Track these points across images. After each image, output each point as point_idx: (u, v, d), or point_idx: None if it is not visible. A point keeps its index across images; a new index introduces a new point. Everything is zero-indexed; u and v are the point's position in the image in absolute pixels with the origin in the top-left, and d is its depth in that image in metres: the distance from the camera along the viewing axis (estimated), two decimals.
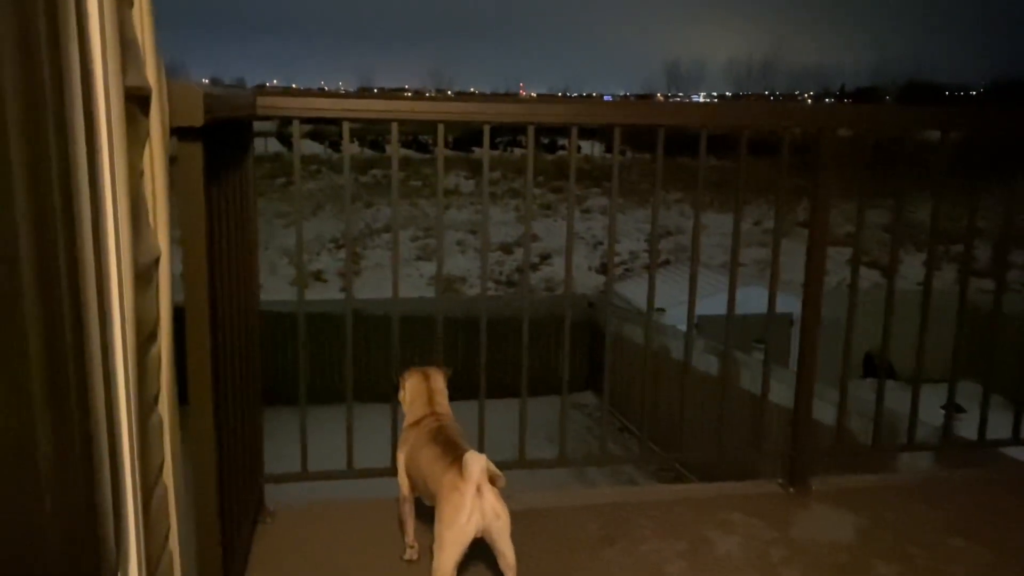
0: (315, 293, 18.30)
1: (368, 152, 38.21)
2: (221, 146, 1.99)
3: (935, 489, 3.18)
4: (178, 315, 1.57)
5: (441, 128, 2.78)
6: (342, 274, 21.98)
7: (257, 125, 2.63)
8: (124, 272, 1.21)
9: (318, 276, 21.90)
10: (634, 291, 15.41)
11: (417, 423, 2.51)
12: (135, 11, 1.36)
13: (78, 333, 1.06)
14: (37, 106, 0.96)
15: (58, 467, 1.01)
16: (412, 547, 2.52)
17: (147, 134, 1.43)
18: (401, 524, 2.56)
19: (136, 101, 1.36)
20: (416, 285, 21.00)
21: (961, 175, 3.17)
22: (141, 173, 1.40)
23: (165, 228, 1.48)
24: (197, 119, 1.61)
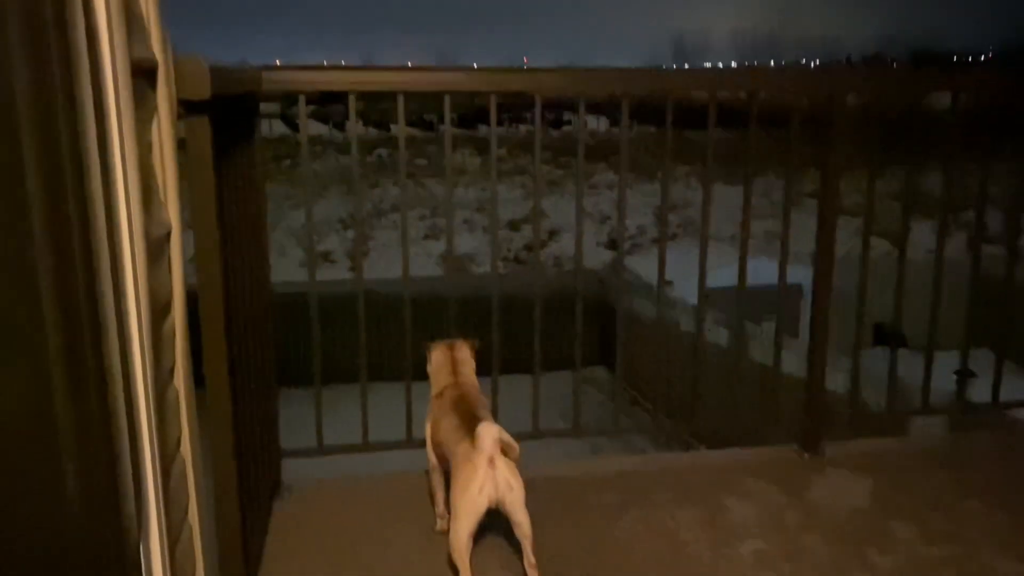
0: (324, 274, 18.26)
1: (373, 131, 38.01)
2: (228, 123, 1.98)
3: (949, 453, 3.18)
4: (191, 297, 1.57)
5: (447, 100, 2.76)
6: (351, 255, 21.97)
7: (261, 107, 2.63)
8: (136, 245, 1.21)
9: (327, 257, 21.86)
10: (643, 265, 15.35)
11: (441, 394, 2.52)
12: None
13: (93, 307, 1.06)
14: (45, 80, 0.95)
15: (78, 440, 1.01)
16: (443, 518, 2.51)
17: (155, 107, 1.43)
18: (431, 495, 2.57)
19: (143, 74, 1.35)
20: (424, 264, 20.94)
21: (972, 140, 3.14)
22: (150, 146, 1.40)
23: (175, 201, 1.48)
24: (204, 92, 1.60)
